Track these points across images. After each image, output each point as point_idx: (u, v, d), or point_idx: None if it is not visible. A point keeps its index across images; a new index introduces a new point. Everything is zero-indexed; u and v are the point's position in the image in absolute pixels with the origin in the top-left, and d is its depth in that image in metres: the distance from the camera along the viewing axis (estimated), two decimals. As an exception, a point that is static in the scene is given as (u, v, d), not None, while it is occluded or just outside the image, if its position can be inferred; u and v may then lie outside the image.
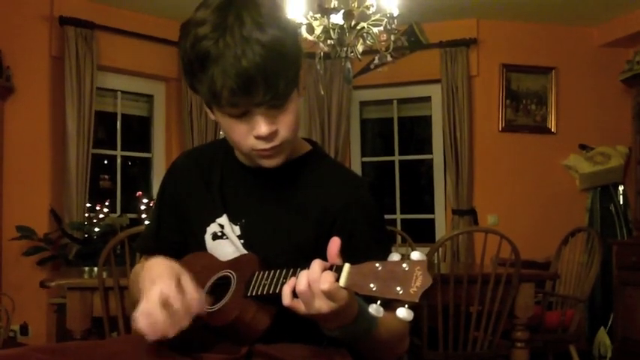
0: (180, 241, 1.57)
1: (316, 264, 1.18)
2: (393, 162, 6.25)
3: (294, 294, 1.20)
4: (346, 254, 1.19)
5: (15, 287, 4.67)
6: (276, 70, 1.27)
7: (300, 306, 1.19)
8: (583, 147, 5.79)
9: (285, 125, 1.36)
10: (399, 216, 6.19)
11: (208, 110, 1.41)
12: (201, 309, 1.29)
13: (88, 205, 5.15)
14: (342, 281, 1.13)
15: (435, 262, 3.34)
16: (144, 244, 1.65)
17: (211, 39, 1.27)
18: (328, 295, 1.14)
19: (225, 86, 1.27)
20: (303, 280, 1.17)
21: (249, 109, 1.31)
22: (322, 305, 1.16)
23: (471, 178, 5.75)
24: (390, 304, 1.08)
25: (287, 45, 1.30)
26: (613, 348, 5.01)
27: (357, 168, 6.17)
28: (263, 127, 1.33)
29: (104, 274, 2.97)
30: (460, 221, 5.70)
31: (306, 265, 1.21)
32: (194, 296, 1.29)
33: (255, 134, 1.34)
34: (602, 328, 5.15)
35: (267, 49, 1.26)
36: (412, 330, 1.50)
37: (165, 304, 1.25)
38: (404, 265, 1.08)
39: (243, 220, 1.48)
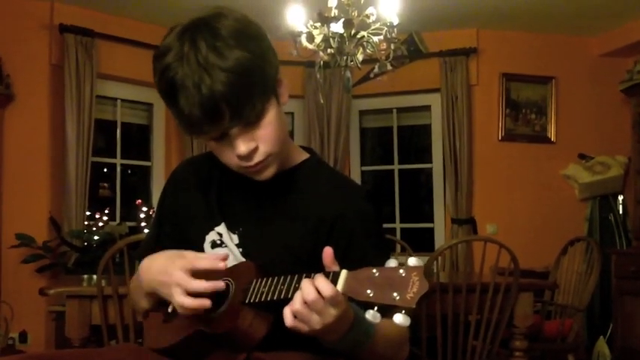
0: (180, 249, 1.56)
1: (306, 282, 1.16)
2: (392, 171, 6.26)
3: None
4: (344, 262, 1.19)
5: (14, 295, 4.67)
6: (239, 94, 1.26)
7: (300, 326, 1.18)
8: (582, 156, 5.79)
9: (264, 140, 1.35)
10: (398, 225, 6.18)
11: None
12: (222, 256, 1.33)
13: (88, 213, 5.15)
14: (340, 286, 1.13)
15: (434, 271, 3.33)
16: (144, 252, 1.65)
17: (173, 69, 1.27)
18: (331, 301, 1.13)
19: (192, 115, 1.27)
20: (297, 298, 1.16)
21: (224, 131, 1.31)
22: (326, 317, 1.15)
23: (471, 187, 5.75)
24: (387, 312, 1.08)
25: (251, 64, 1.27)
26: (612, 358, 5.00)
27: (356, 177, 6.17)
28: (241, 147, 1.33)
29: (103, 283, 2.97)
30: (459, 230, 5.70)
31: (303, 272, 1.21)
32: (209, 262, 1.32)
33: (235, 154, 1.34)
34: (601, 337, 5.14)
35: (228, 73, 1.24)
36: (411, 339, 1.50)
37: (194, 274, 1.29)
38: (400, 271, 1.08)
39: (241, 229, 1.48)
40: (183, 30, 1.29)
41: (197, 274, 1.33)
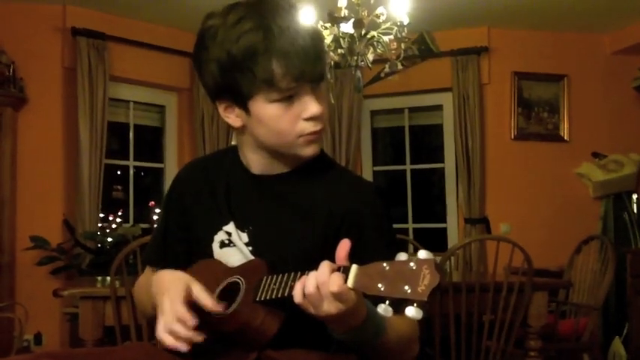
0: (187, 250, 1.57)
1: (324, 265, 1.18)
2: (404, 171, 6.24)
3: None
4: (354, 257, 1.19)
5: (29, 297, 4.69)
6: (322, 51, 1.40)
7: (308, 306, 1.20)
8: (596, 155, 5.76)
9: (325, 108, 1.43)
10: (411, 225, 6.17)
11: (238, 112, 1.43)
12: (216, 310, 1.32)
13: (101, 215, 5.17)
14: (350, 282, 1.13)
15: (447, 270, 3.32)
16: (150, 254, 1.66)
17: (259, 29, 1.33)
18: (337, 297, 1.15)
19: (286, 65, 1.33)
20: (311, 281, 1.18)
21: (298, 91, 1.37)
22: (330, 307, 1.17)
23: (483, 187, 5.73)
24: (399, 307, 1.08)
25: (319, 33, 1.43)
26: (628, 358, 4.97)
27: (368, 177, 6.15)
28: (314, 106, 1.39)
29: (116, 284, 2.98)
30: (472, 230, 5.68)
31: (314, 269, 1.21)
32: (208, 304, 1.32)
33: (307, 115, 1.39)
34: (617, 337, 5.10)
35: (310, 33, 1.36)
36: (424, 339, 1.49)
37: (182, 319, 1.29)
38: (411, 264, 1.09)
39: (251, 227, 1.49)
40: (254, 2, 1.39)
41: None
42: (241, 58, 1.34)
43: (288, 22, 1.34)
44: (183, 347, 1.28)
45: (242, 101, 1.40)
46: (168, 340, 1.28)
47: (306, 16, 1.43)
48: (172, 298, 1.30)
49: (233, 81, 1.37)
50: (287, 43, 1.32)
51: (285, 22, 1.34)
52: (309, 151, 1.44)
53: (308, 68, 1.35)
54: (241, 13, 1.36)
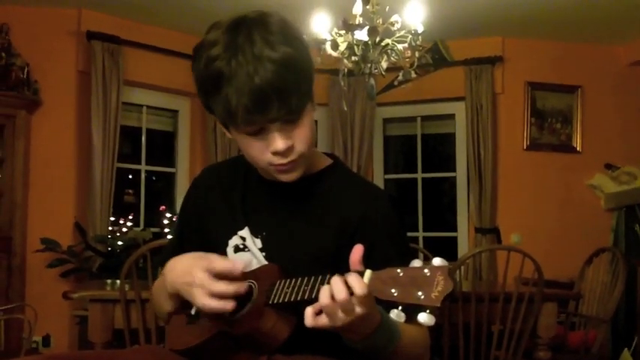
0: None
1: (336, 278, 1.16)
2: (416, 179, 6.24)
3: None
4: (367, 264, 1.19)
5: (38, 299, 4.70)
6: (288, 86, 1.29)
7: (322, 322, 1.18)
8: (608, 166, 5.74)
9: (300, 140, 1.37)
10: (421, 233, 6.16)
11: (224, 129, 1.43)
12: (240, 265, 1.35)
13: (112, 218, 5.19)
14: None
15: (457, 279, 3.31)
16: (166, 257, 1.66)
17: (223, 59, 1.29)
18: (360, 300, 1.14)
19: (240, 104, 1.28)
20: (325, 293, 1.16)
21: (264, 125, 1.33)
22: (348, 314, 1.15)
23: (495, 197, 5.72)
24: (411, 315, 1.08)
25: (298, 61, 1.32)
26: (637, 370, 4.93)
27: (379, 185, 6.14)
28: (279, 143, 1.34)
29: (126, 287, 2.99)
30: (483, 239, 5.66)
31: (327, 273, 1.21)
32: (227, 263, 1.34)
33: (271, 150, 1.35)
34: (625, 349, 5.07)
35: (279, 65, 1.27)
36: (433, 348, 1.49)
37: (217, 275, 1.31)
38: (425, 270, 1.08)
39: (265, 233, 1.49)
40: (234, 24, 1.32)
41: (220, 276, 1.33)
42: (209, 83, 1.33)
43: (257, 54, 1.27)
44: (230, 304, 1.28)
45: (222, 122, 1.40)
46: (214, 303, 1.29)
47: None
48: (203, 267, 1.32)
49: (207, 103, 1.38)
50: (242, 82, 1.26)
51: (253, 54, 1.27)
52: (283, 177, 1.42)
53: (258, 113, 1.29)
54: (218, 36, 1.32)
